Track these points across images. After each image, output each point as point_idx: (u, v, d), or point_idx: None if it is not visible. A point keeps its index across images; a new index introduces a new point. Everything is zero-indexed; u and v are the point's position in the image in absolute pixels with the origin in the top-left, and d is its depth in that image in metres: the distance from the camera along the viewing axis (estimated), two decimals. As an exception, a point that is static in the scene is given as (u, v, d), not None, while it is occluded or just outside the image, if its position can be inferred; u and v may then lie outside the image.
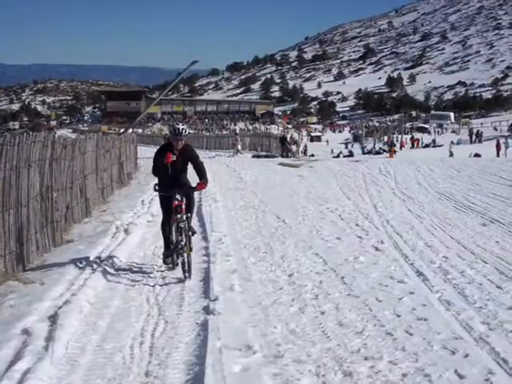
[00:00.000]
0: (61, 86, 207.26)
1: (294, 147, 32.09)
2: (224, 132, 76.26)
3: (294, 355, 4.04)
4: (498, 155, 31.87)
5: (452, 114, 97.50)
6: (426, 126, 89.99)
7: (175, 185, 6.10)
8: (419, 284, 5.73)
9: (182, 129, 6.06)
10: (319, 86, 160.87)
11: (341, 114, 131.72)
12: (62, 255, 6.81)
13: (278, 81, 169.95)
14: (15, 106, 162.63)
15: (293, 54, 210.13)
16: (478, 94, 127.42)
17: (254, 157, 29.48)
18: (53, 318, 4.59)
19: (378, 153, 41.84)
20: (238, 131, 44.56)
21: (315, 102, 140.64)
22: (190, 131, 44.20)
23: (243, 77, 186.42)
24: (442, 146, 47.47)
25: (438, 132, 76.83)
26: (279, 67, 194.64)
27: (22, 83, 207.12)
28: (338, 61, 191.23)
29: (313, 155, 36.60)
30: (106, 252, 6.96)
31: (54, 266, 6.25)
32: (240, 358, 3.96)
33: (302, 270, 6.30)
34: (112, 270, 6.29)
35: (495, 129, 76.23)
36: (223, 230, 8.46)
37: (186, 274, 5.96)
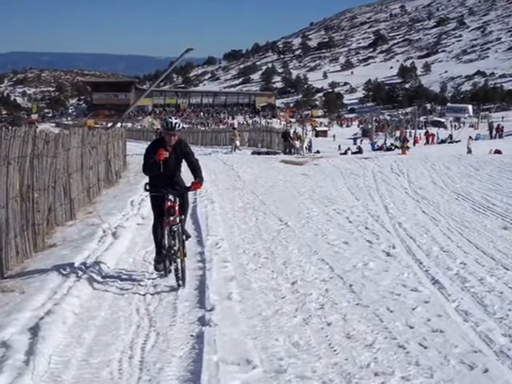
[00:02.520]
0: (42, 77, 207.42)
1: (297, 143, 32.07)
2: (221, 126, 76.40)
3: (298, 370, 4.04)
4: (520, 152, 31.87)
5: (470, 107, 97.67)
6: (442, 119, 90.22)
7: (168, 184, 6.10)
8: (434, 293, 5.74)
9: (175, 123, 6.05)
10: (325, 76, 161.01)
11: (349, 107, 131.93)
12: (43, 261, 6.81)
13: (280, 70, 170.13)
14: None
15: (296, 42, 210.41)
16: (498, 85, 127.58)
17: (253, 153, 29.52)
18: (34, 330, 4.58)
19: (389, 149, 41.83)
20: (236, 126, 44.66)
21: (321, 94, 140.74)
22: (184, 125, 44.29)
23: (242, 66, 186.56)
24: (459, 141, 47.52)
25: (455, 126, 77.00)
26: (281, 56, 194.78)
27: (0, 73, 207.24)
28: (346, 49, 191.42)
29: (318, 152, 36.64)
30: (92, 258, 6.96)
31: (36, 272, 6.25)
32: (238, 374, 3.96)
33: (307, 278, 6.31)
34: (99, 278, 6.29)
35: (517, 123, 76.23)
36: (220, 233, 8.47)
37: (180, 282, 5.96)
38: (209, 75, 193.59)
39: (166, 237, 6.09)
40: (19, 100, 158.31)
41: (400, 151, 34.64)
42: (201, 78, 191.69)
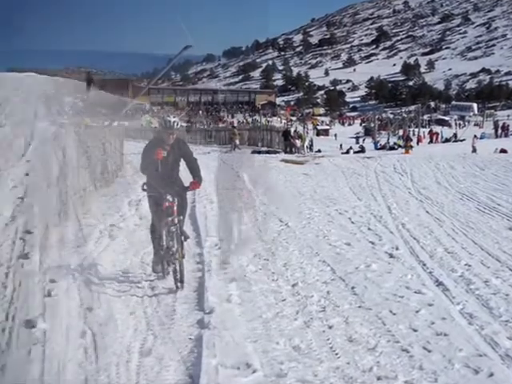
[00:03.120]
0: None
1: (298, 142, 32.05)
2: (220, 125, 76.32)
3: (299, 374, 4.04)
4: (526, 151, 31.82)
5: (475, 105, 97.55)
6: (446, 118, 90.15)
7: (166, 184, 6.09)
8: (438, 295, 5.74)
9: (174, 121, 6.05)
10: (327, 73, 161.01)
11: (351, 105, 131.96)
12: (39, 262, 6.80)
13: (281, 68, 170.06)
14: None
15: (297, 38, 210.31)
16: (504, 83, 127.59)
17: (253, 152, 29.47)
18: (29, 333, 4.58)
19: (392, 148, 41.80)
20: (235, 124, 44.64)
21: (322, 92, 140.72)
22: (183, 124, 44.29)
23: (242, 63, 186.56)
24: (463, 140, 47.48)
25: (460, 125, 76.91)
26: (282, 53, 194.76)
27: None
28: (348, 45, 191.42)
29: (319, 151, 36.63)
30: (88, 259, 6.96)
31: (31, 274, 6.24)
32: (238, 378, 3.96)
33: (308, 280, 6.31)
34: (95, 279, 6.28)
35: (523, 121, 76.14)
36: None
37: (178, 284, 5.96)
38: (208, 73, 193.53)
39: (164, 238, 6.08)
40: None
41: (403, 150, 34.61)
42: (200, 75, 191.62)
